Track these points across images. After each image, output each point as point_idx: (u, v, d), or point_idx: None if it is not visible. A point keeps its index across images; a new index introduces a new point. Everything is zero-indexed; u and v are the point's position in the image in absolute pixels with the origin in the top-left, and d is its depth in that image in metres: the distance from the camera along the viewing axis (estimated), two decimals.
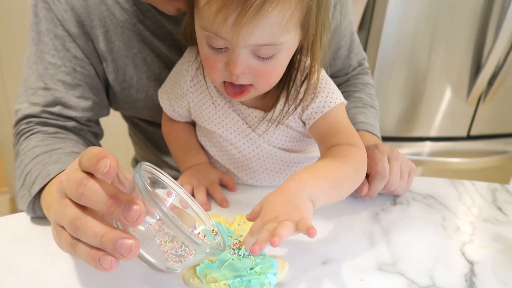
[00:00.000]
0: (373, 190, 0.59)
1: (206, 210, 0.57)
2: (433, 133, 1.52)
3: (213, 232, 0.45)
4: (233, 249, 0.47)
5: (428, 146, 1.54)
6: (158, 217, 0.35)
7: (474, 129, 1.55)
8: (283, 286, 0.45)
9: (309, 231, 0.40)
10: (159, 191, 0.46)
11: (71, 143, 0.60)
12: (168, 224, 0.35)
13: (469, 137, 1.57)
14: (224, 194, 0.60)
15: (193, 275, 0.44)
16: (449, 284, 0.48)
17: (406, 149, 1.52)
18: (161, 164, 0.84)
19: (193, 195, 0.59)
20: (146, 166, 0.41)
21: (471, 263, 0.51)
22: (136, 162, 0.95)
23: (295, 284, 0.46)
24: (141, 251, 0.37)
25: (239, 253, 0.47)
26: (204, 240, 0.39)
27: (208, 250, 0.37)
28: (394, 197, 0.64)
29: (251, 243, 0.44)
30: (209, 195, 0.60)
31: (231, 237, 0.50)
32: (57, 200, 0.36)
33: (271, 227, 0.41)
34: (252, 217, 0.47)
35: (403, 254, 0.52)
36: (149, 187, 0.35)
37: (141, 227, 0.36)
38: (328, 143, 0.55)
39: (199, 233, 0.44)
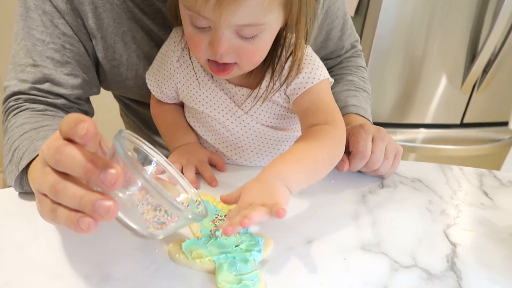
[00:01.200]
0: (353, 168, 0.61)
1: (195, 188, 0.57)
2: (427, 120, 1.53)
3: (196, 202, 0.45)
4: (214, 225, 0.48)
5: (422, 133, 1.55)
6: (140, 184, 0.36)
7: (468, 117, 1.55)
8: (267, 263, 0.46)
9: (278, 211, 0.40)
10: (147, 168, 0.46)
11: (60, 121, 0.59)
12: (150, 190, 0.35)
13: (462, 125, 1.57)
14: (213, 173, 0.61)
15: (179, 251, 0.45)
16: (430, 264, 0.48)
17: (400, 136, 1.53)
18: (153, 145, 0.84)
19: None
20: (127, 134, 0.40)
21: (453, 245, 0.52)
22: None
23: (279, 261, 0.46)
24: (123, 217, 0.37)
25: (215, 234, 0.47)
26: (187, 207, 0.40)
27: (190, 216, 0.38)
28: (381, 180, 0.65)
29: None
30: (198, 174, 0.60)
31: (218, 215, 0.51)
32: (39, 169, 0.36)
33: (245, 212, 0.42)
34: (227, 200, 0.48)
35: (387, 235, 0.53)
36: (129, 153, 0.35)
37: (122, 195, 0.37)
38: (307, 121, 0.56)
39: (182, 202, 0.45)
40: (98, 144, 0.39)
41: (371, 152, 0.60)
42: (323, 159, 0.52)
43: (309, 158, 0.51)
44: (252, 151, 0.63)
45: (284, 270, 0.45)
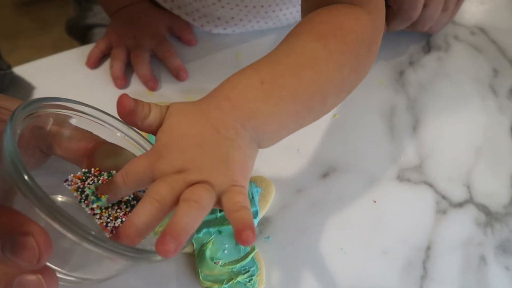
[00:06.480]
0: (391, 29, 0.42)
1: (153, 89, 0.39)
2: None
3: None
4: None
5: None
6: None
7: None
8: (268, 223, 0.33)
9: (242, 235, 0.19)
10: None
11: None
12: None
13: None
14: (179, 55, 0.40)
15: None
16: (492, 196, 0.35)
17: None
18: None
19: (128, 64, 0.39)
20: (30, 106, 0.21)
21: None
22: None
23: (284, 215, 0.33)
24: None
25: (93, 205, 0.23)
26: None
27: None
28: (427, 38, 0.44)
29: (118, 194, 0.23)
30: (153, 59, 0.40)
31: None
32: None
33: (165, 197, 0.21)
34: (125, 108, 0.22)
35: (434, 147, 0.37)
36: (28, 175, 0.17)
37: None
38: None
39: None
40: None
41: (424, 5, 0.38)
42: (340, 79, 0.27)
43: (315, 80, 0.25)
44: (234, 17, 0.39)
45: (292, 229, 0.33)
